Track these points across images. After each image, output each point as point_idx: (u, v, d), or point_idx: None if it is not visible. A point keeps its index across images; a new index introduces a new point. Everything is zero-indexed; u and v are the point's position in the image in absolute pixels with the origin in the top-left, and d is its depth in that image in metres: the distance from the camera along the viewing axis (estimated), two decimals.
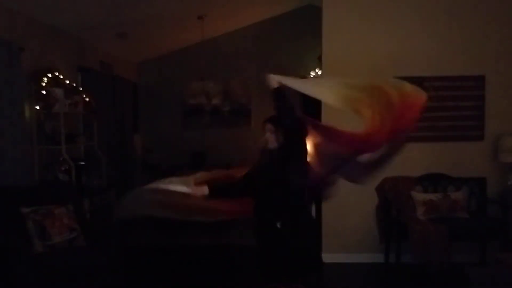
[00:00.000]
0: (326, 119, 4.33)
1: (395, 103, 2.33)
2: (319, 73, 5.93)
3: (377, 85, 2.45)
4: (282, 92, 2.48)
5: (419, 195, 4.03)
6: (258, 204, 2.55)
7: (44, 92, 4.30)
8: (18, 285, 2.79)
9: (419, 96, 2.42)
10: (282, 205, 2.49)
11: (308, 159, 2.51)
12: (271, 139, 2.54)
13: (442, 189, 4.13)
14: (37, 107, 4.32)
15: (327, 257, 4.42)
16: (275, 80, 2.47)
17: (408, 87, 2.43)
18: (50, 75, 4.40)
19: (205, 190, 2.52)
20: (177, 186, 2.58)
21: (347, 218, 4.41)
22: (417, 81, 4.22)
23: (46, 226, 3.23)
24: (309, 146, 2.53)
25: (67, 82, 4.64)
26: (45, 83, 4.34)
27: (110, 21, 5.15)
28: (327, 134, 2.58)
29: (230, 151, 7.01)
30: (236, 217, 2.73)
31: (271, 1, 6.52)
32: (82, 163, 4.76)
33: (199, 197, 2.51)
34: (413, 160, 4.31)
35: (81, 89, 4.93)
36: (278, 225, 2.45)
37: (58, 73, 4.52)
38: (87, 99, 4.89)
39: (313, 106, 4.90)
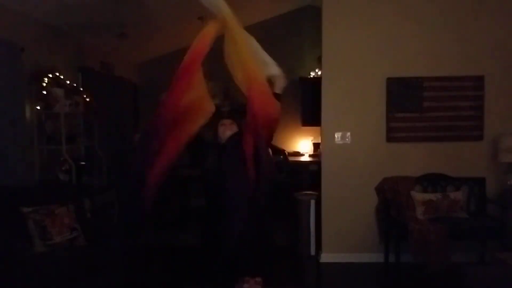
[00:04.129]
0: (326, 109, 4.36)
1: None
2: (319, 73, 5.93)
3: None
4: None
5: (418, 195, 4.04)
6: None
7: (44, 92, 4.31)
8: (18, 285, 2.79)
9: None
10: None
11: None
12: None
13: (441, 189, 4.15)
14: (38, 107, 4.33)
15: (327, 257, 4.45)
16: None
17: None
18: (50, 76, 4.41)
19: None
20: None
21: (347, 218, 4.42)
22: (417, 81, 4.30)
23: (46, 225, 3.24)
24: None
25: (68, 82, 4.65)
26: (46, 83, 4.35)
27: (111, 22, 5.16)
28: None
29: None
30: None
31: (271, 2, 6.52)
32: (83, 163, 4.77)
33: None
34: (413, 160, 4.33)
35: (81, 89, 4.94)
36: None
37: (59, 74, 4.53)
38: (87, 100, 4.91)
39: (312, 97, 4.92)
